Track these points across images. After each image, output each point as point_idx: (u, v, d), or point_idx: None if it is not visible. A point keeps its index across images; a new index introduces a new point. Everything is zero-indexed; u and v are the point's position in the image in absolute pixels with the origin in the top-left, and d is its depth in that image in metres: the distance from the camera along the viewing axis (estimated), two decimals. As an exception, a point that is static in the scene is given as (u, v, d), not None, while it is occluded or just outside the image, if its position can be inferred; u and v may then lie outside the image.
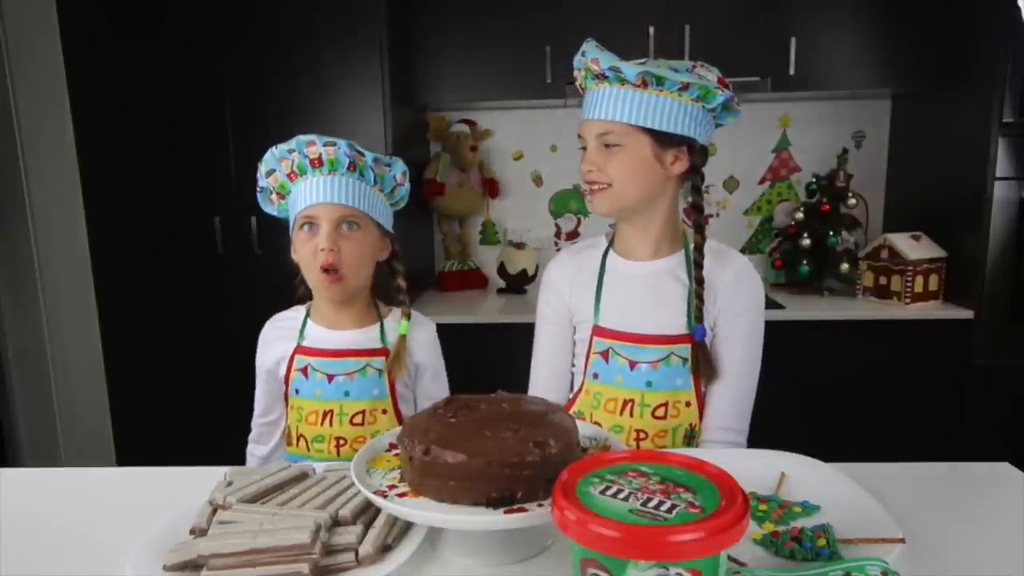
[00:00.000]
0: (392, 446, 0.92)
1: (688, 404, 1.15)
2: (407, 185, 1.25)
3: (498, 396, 0.89)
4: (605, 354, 1.17)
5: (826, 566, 0.68)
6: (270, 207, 1.25)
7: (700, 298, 1.14)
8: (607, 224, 1.25)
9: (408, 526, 0.82)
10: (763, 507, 0.84)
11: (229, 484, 0.88)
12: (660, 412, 1.14)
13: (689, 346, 1.14)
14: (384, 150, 2.32)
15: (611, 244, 1.24)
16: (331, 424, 1.19)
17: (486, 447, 0.75)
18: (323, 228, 1.14)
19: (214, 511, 0.82)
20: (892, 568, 0.66)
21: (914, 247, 2.37)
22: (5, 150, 2.66)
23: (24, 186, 2.70)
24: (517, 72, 2.48)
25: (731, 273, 1.16)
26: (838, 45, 2.43)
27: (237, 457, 1.33)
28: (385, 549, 0.78)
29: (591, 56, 1.10)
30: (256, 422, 1.31)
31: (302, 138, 1.16)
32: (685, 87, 1.08)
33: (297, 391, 1.21)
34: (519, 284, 2.74)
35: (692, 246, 1.16)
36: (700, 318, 1.13)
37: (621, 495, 0.59)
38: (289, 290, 1.30)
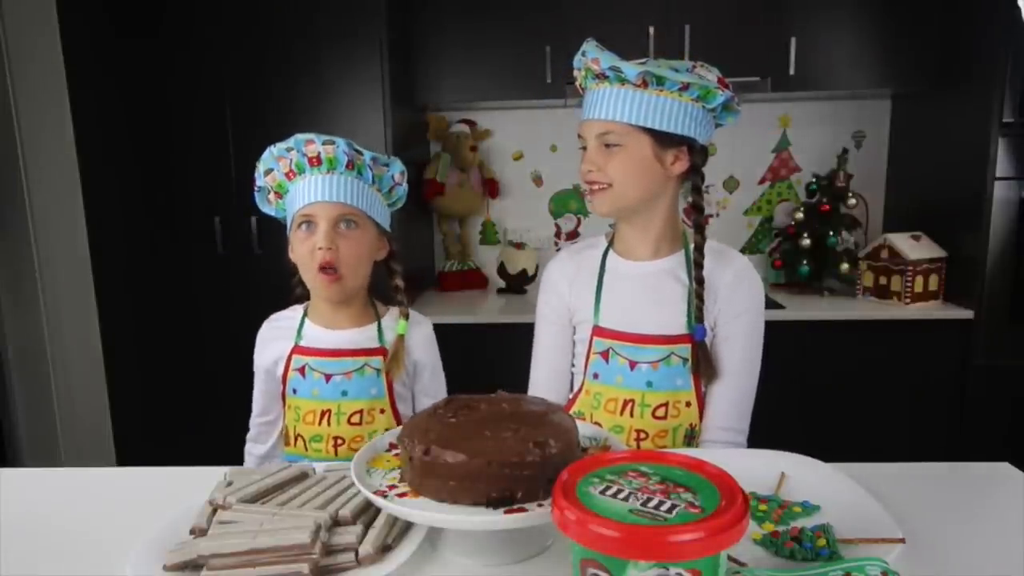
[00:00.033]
0: (392, 446, 0.92)
1: (688, 404, 1.15)
2: (405, 185, 1.25)
3: (498, 396, 0.89)
4: (605, 354, 1.17)
5: (826, 566, 0.68)
6: (267, 206, 1.25)
7: (700, 298, 1.14)
8: (607, 224, 1.25)
9: (408, 526, 0.82)
10: (763, 507, 0.84)
11: (229, 484, 0.88)
12: (660, 412, 1.14)
13: (689, 346, 1.14)
14: (384, 150, 2.32)
15: (611, 244, 1.24)
16: (329, 424, 1.19)
17: (486, 447, 0.75)
18: (321, 227, 1.14)
19: (214, 511, 0.82)
20: (892, 568, 0.66)
21: (914, 247, 2.37)
22: (5, 150, 2.66)
23: (24, 186, 2.70)
24: (517, 72, 2.48)
25: (731, 273, 1.16)
26: (838, 45, 2.43)
27: (237, 457, 1.33)
28: (385, 549, 0.78)
29: (592, 56, 1.10)
30: (254, 421, 1.31)
31: (300, 137, 1.16)
32: (685, 87, 1.08)
33: (295, 391, 1.21)
34: (519, 284, 2.74)
35: (692, 246, 1.16)
36: (700, 318, 1.13)
37: (621, 495, 0.59)
38: (289, 290, 1.30)
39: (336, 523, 0.79)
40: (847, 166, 2.66)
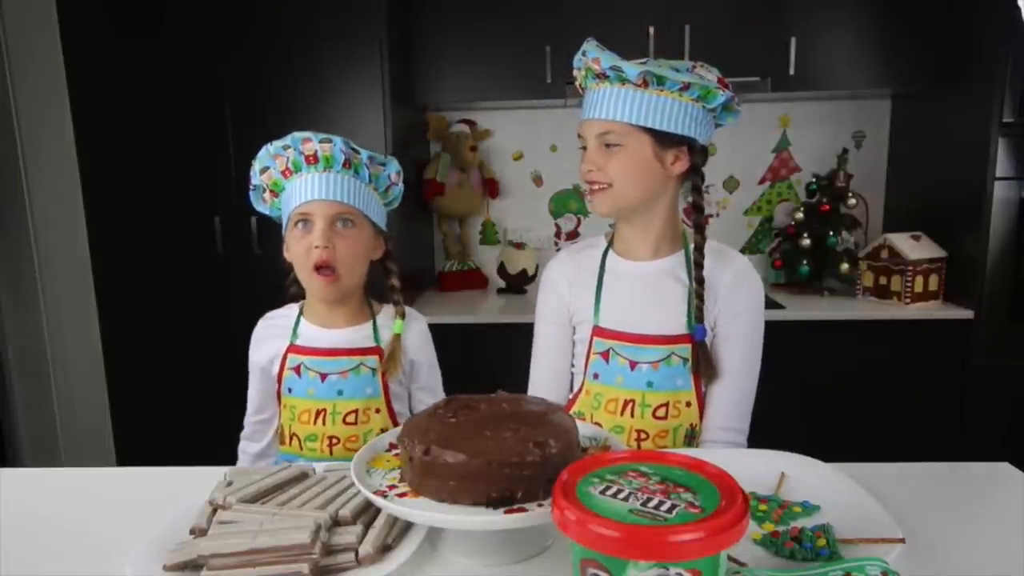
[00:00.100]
0: (392, 446, 0.92)
1: (688, 404, 1.15)
2: (401, 185, 1.25)
3: (498, 396, 0.89)
4: (605, 354, 1.17)
5: (826, 566, 0.68)
6: (262, 205, 1.24)
7: (700, 298, 1.14)
8: (607, 224, 1.24)
9: (408, 526, 0.82)
10: (763, 507, 0.84)
11: (229, 484, 0.88)
12: (661, 412, 1.14)
13: (689, 346, 1.14)
14: (384, 150, 2.32)
15: (610, 244, 1.23)
16: (324, 423, 1.18)
17: (486, 447, 0.75)
18: (318, 225, 1.14)
19: (214, 511, 0.82)
20: (892, 568, 0.66)
21: (914, 247, 2.37)
22: (5, 150, 2.66)
23: (24, 186, 2.70)
24: (517, 72, 2.48)
25: (731, 273, 1.16)
26: (838, 45, 2.43)
27: (237, 457, 1.33)
28: (385, 549, 0.78)
29: (592, 56, 1.10)
30: (249, 420, 1.30)
31: (297, 135, 1.16)
32: (686, 87, 1.08)
33: (290, 390, 1.21)
34: (519, 284, 2.74)
35: (692, 246, 1.16)
36: (700, 318, 1.13)
37: (621, 495, 0.59)
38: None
39: (336, 523, 0.79)
40: (847, 166, 2.66)
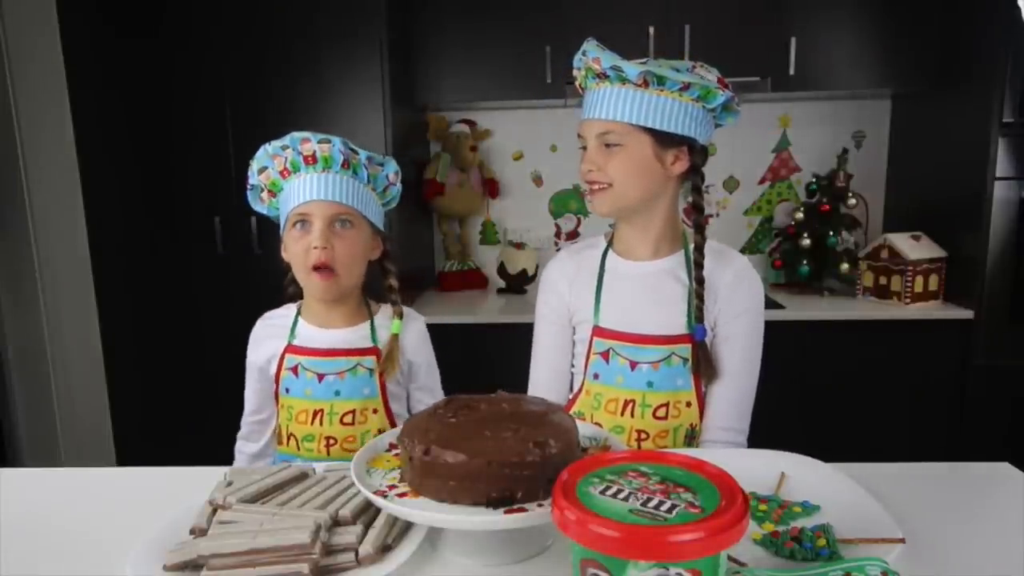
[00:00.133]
0: (392, 446, 0.92)
1: (689, 404, 1.15)
2: (399, 185, 1.25)
3: (498, 396, 0.89)
4: (605, 354, 1.17)
5: (826, 566, 0.68)
6: (259, 205, 1.24)
7: (700, 298, 1.14)
8: (607, 224, 1.24)
9: (408, 526, 0.82)
10: (763, 507, 0.84)
11: (229, 484, 0.88)
12: (661, 412, 1.14)
13: (689, 346, 1.14)
14: (384, 150, 2.32)
15: (610, 244, 1.23)
16: (321, 423, 1.18)
17: (486, 447, 0.75)
18: (316, 226, 1.14)
19: (214, 511, 0.82)
20: (892, 568, 0.66)
21: (914, 247, 2.37)
22: (5, 150, 2.66)
23: (24, 186, 2.70)
24: (517, 72, 2.48)
25: (731, 273, 1.16)
26: (838, 45, 2.43)
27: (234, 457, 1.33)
28: (385, 549, 0.78)
29: (592, 55, 1.10)
30: (246, 420, 1.30)
31: (296, 135, 1.16)
32: (686, 87, 1.08)
33: (287, 390, 1.21)
34: (519, 284, 2.74)
35: (692, 246, 1.16)
36: (700, 318, 1.13)
37: (621, 495, 0.59)
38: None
39: (336, 523, 0.79)
40: (847, 166, 2.66)
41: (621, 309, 1.17)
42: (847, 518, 0.81)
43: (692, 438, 1.16)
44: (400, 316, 1.24)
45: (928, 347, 2.33)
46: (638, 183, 1.12)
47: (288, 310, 1.27)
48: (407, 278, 2.52)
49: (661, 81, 1.07)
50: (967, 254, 2.32)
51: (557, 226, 2.94)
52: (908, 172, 2.69)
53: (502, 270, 2.76)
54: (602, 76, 1.11)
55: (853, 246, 2.61)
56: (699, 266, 1.14)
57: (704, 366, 1.14)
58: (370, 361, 1.21)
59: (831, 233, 2.54)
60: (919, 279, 2.35)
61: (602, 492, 0.59)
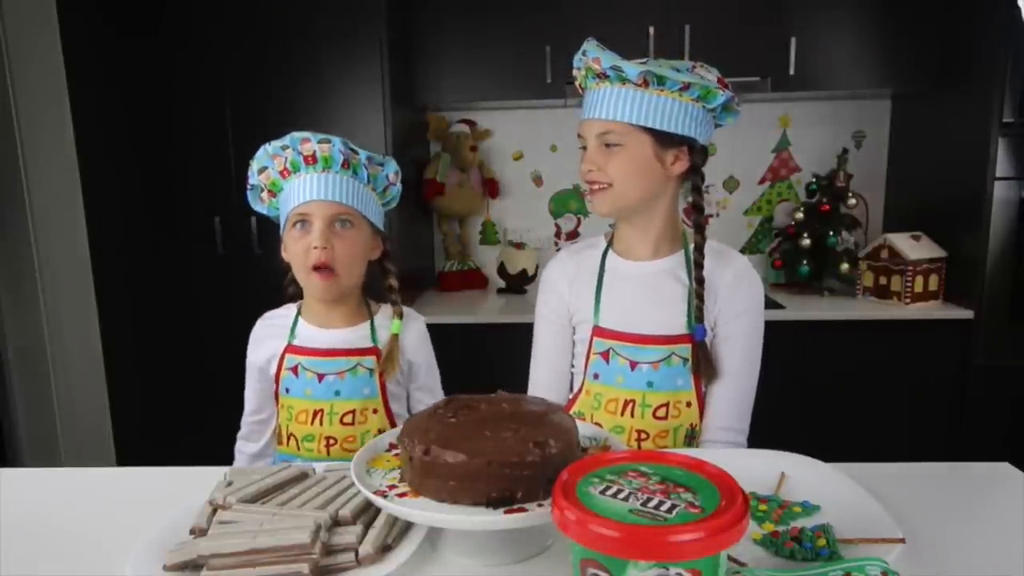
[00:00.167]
0: (392, 446, 0.92)
1: (689, 404, 1.15)
2: (399, 185, 1.25)
3: (498, 396, 0.89)
4: (606, 354, 1.17)
5: (826, 566, 0.68)
6: (259, 205, 1.24)
7: (700, 298, 1.14)
8: (607, 224, 1.24)
9: (408, 526, 0.82)
10: (763, 507, 0.84)
11: (229, 484, 0.88)
12: (661, 412, 1.14)
13: (690, 346, 1.14)
14: (384, 150, 2.32)
15: (610, 244, 1.23)
16: (321, 423, 1.18)
17: (486, 447, 0.75)
18: (316, 226, 1.14)
19: (214, 511, 0.82)
20: (892, 568, 0.66)
21: (914, 247, 2.37)
22: (5, 150, 2.66)
23: (24, 186, 2.70)
24: (517, 72, 2.48)
25: (731, 273, 1.16)
26: (838, 45, 2.43)
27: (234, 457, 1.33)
28: (385, 549, 0.78)
29: (592, 55, 1.10)
30: (246, 420, 1.30)
31: (296, 135, 1.16)
32: (686, 87, 1.08)
33: (287, 390, 1.21)
34: (519, 284, 2.74)
35: (692, 246, 1.16)
36: (700, 318, 1.13)
37: (621, 495, 0.59)
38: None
39: (336, 523, 0.79)
40: (847, 166, 2.66)
41: (621, 309, 1.17)
42: (847, 518, 0.81)
43: (692, 438, 1.16)
44: (400, 316, 1.24)
45: (928, 347, 2.33)
46: (638, 183, 1.12)
47: (288, 310, 1.27)
48: (407, 278, 2.51)
49: (661, 81, 1.07)
50: (967, 254, 2.32)
51: (557, 226, 2.94)
52: (908, 172, 2.69)
53: (502, 270, 2.76)
54: (602, 76, 1.11)
55: (853, 246, 2.61)
56: (699, 266, 1.14)
57: (704, 366, 1.14)
58: (370, 361, 1.21)
59: (831, 233, 2.54)
60: (919, 279, 2.35)
61: (602, 492, 0.59)
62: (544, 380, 1.27)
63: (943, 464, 1.05)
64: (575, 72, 1.18)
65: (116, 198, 2.43)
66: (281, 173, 1.18)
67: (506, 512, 0.72)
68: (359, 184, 1.17)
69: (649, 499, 0.58)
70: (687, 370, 1.14)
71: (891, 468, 1.02)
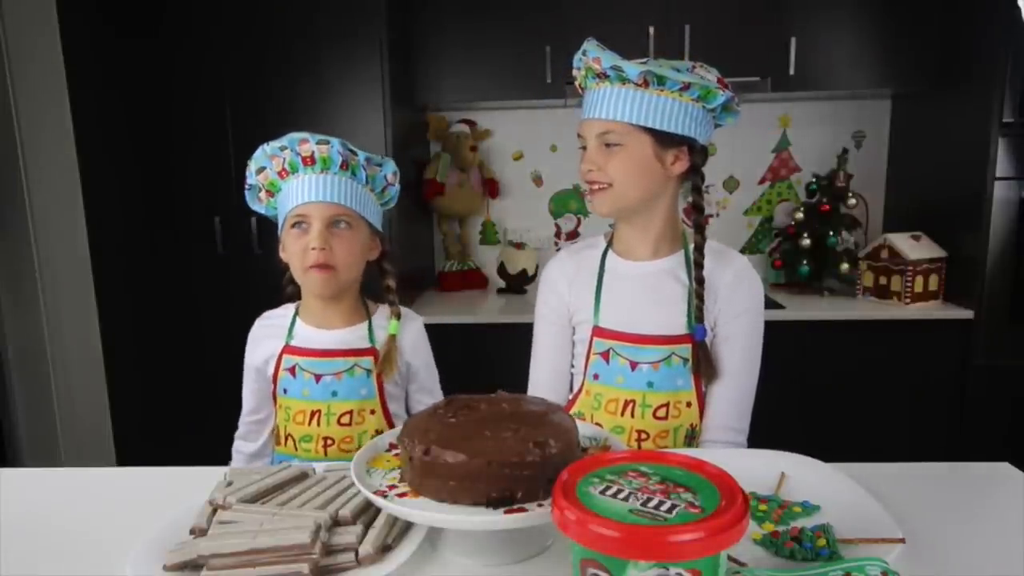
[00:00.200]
0: (392, 446, 0.92)
1: (689, 404, 1.15)
2: (397, 185, 1.25)
3: (498, 396, 0.89)
4: (606, 355, 1.17)
5: (826, 566, 0.68)
6: (258, 205, 1.24)
7: (700, 298, 1.14)
8: (607, 224, 1.24)
9: (408, 526, 0.82)
10: (763, 507, 0.84)
11: (229, 484, 0.88)
12: (661, 413, 1.14)
13: (690, 346, 1.14)
14: (384, 150, 2.32)
15: (610, 244, 1.23)
16: (319, 424, 1.18)
17: (486, 447, 0.75)
18: (314, 227, 1.14)
19: (214, 511, 0.82)
20: (892, 568, 0.66)
21: (914, 247, 2.37)
22: (5, 150, 2.66)
23: (24, 186, 2.70)
24: (517, 72, 2.48)
25: (731, 273, 1.16)
26: (838, 45, 2.43)
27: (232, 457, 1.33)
28: (385, 549, 0.78)
29: (593, 55, 1.10)
30: (244, 420, 1.30)
31: (294, 136, 1.16)
32: (686, 87, 1.08)
33: (285, 390, 1.21)
34: (519, 284, 2.74)
35: (692, 246, 1.16)
36: (700, 318, 1.13)
37: (621, 495, 0.59)
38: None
39: (336, 523, 0.79)
40: (847, 166, 2.66)
41: (621, 309, 1.17)
42: (847, 518, 0.81)
43: (692, 438, 1.16)
44: (398, 317, 1.24)
45: (928, 347, 2.33)
46: (638, 183, 1.12)
47: (286, 310, 1.27)
48: (407, 278, 2.52)
49: (661, 81, 1.07)
50: (967, 254, 2.32)
51: (557, 226, 2.94)
52: (908, 172, 2.69)
53: (502, 270, 2.76)
54: (602, 76, 1.11)
55: (853, 246, 2.61)
56: (699, 266, 1.14)
57: (704, 366, 1.14)
58: (367, 362, 1.21)
59: (831, 233, 2.54)
60: (919, 279, 2.35)
61: (602, 492, 0.59)
62: (544, 380, 1.27)
63: (943, 464, 1.05)
64: (575, 72, 1.18)
65: (116, 198, 2.43)
66: (279, 174, 1.18)
67: (506, 512, 0.72)
68: (357, 185, 1.17)
69: (649, 499, 0.58)
70: (687, 370, 1.14)
71: (891, 468, 1.02)
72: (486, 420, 0.80)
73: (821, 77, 2.45)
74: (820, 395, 2.37)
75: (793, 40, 2.39)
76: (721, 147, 2.79)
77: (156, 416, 2.53)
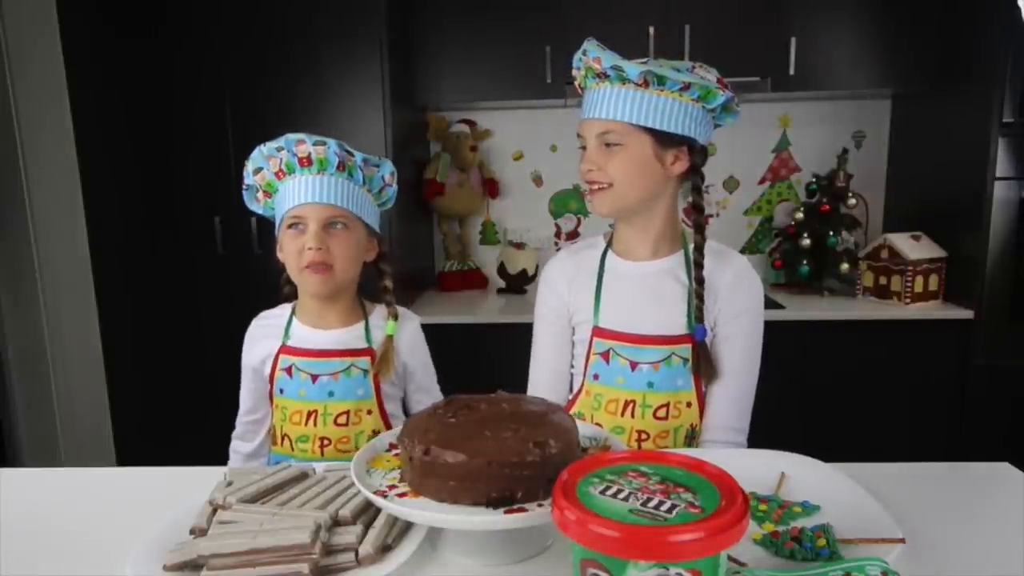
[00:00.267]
0: (392, 446, 0.92)
1: (689, 404, 1.15)
2: (395, 186, 1.25)
3: (498, 396, 0.89)
4: (606, 355, 1.17)
5: (826, 566, 0.68)
6: (255, 205, 1.24)
7: (700, 298, 1.14)
8: (607, 224, 1.24)
9: (408, 526, 0.82)
10: (763, 507, 0.84)
11: (229, 484, 0.88)
12: (661, 413, 1.14)
13: (690, 346, 1.14)
14: (384, 150, 2.32)
15: (609, 244, 1.23)
16: (315, 424, 1.18)
17: (486, 447, 0.75)
18: (311, 227, 1.14)
19: (214, 511, 0.82)
20: (892, 568, 0.66)
21: (914, 247, 2.37)
22: (5, 150, 2.66)
23: (24, 186, 2.70)
24: (517, 72, 2.48)
25: (731, 273, 1.16)
26: (838, 45, 2.43)
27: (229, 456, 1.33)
28: (385, 549, 0.78)
29: (593, 55, 1.10)
30: (241, 419, 1.30)
31: (291, 136, 1.16)
32: (686, 87, 1.08)
33: (281, 391, 1.21)
34: (519, 284, 2.74)
35: (692, 246, 1.16)
36: (700, 318, 1.13)
37: (621, 495, 0.59)
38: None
39: (336, 523, 0.79)
40: (847, 166, 2.66)
41: (621, 309, 1.17)
42: (847, 518, 0.81)
43: (692, 438, 1.16)
44: (395, 317, 1.24)
45: (928, 347, 2.33)
46: (638, 183, 1.12)
47: (283, 310, 1.27)
48: (407, 278, 2.52)
49: (661, 81, 1.07)
50: (967, 254, 2.32)
51: (557, 226, 2.94)
52: (908, 172, 2.69)
53: (502, 270, 2.76)
54: (602, 76, 1.11)
55: (853, 246, 2.61)
56: (699, 266, 1.14)
57: (704, 366, 1.14)
58: (364, 362, 1.21)
59: (831, 233, 2.54)
60: (919, 279, 2.35)
61: (602, 492, 0.59)
62: (544, 380, 1.27)
63: (943, 464, 1.05)
64: (575, 72, 1.18)
65: (116, 198, 2.43)
66: (276, 174, 1.18)
67: (506, 512, 0.72)
68: (354, 186, 1.17)
69: (649, 499, 0.58)
70: (687, 370, 1.14)
71: (891, 468, 1.02)
72: (486, 420, 0.80)
73: (821, 77, 2.45)
74: (820, 395, 2.37)
75: (793, 40, 2.39)
76: (721, 147, 2.79)
77: (156, 416, 2.53)
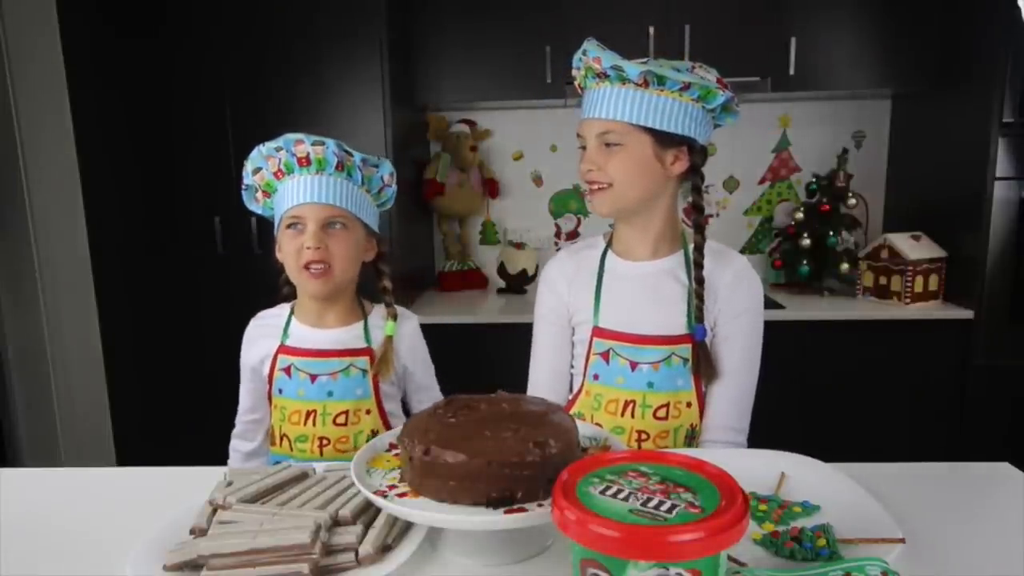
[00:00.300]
0: (392, 446, 0.92)
1: (689, 404, 1.15)
2: (394, 186, 1.25)
3: (498, 396, 0.89)
4: (606, 355, 1.17)
5: (826, 566, 0.68)
6: (255, 205, 1.24)
7: (700, 298, 1.14)
8: (607, 224, 1.24)
9: (408, 526, 0.82)
10: (763, 507, 0.84)
11: (229, 484, 0.88)
12: (661, 413, 1.14)
13: (690, 346, 1.14)
14: (384, 150, 2.32)
15: (609, 244, 1.23)
16: (314, 424, 1.18)
17: (486, 447, 0.75)
18: (309, 228, 1.14)
19: (214, 511, 0.82)
20: (892, 568, 0.66)
21: (914, 247, 2.37)
22: (5, 150, 2.66)
23: (24, 186, 2.70)
24: (517, 72, 2.48)
25: (731, 273, 1.16)
26: (838, 45, 2.43)
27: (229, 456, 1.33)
28: (385, 549, 0.78)
29: (593, 55, 1.10)
30: (240, 419, 1.30)
31: (290, 136, 1.16)
32: (686, 87, 1.08)
33: (280, 390, 1.21)
34: (519, 284, 2.74)
35: (691, 246, 1.16)
36: (700, 318, 1.13)
37: (621, 495, 0.59)
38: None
39: (336, 523, 0.79)
40: (847, 166, 2.66)
41: (621, 309, 1.17)
42: (847, 518, 0.81)
43: (692, 438, 1.16)
44: (394, 318, 1.24)
45: (928, 347, 2.33)
46: (638, 183, 1.12)
47: (281, 310, 1.27)
48: (407, 278, 2.52)
49: (661, 81, 1.07)
50: (967, 254, 2.32)
51: (557, 226, 2.94)
52: (908, 172, 2.69)
53: (502, 270, 2.76)
54: (602, 76, 1.11)
55: (853, 246, 2.61)
56: (699, 266, 1.14)
57: (704, 366, 1.14)
58: (363, 362, 1.21)
59: (831, 233, 2.53)
60: (919, 279, 2.35)
61: (602, 492, 0.59)
62: (544, 381, 1.27)
63: (943, 464, 1.05)
64: (574, 72, 1.18)
65: (116, 198, 2.43)
66: (275, 174, 1.18)
67: (506, 512, 0.72)
68: (353, 186, 1.17)
69: (649, 499, 0.58)
70: (687, 370, 1.14)
71: (891, 468, 1.02)
72: (486, 420, 0.80)
73: (821, 77, 2.45)
74: (820, 395, 2.37)
75: (793, 40, 2.39)
76: (721, 147, 2.79)
77: (156, 416, 2.53)
